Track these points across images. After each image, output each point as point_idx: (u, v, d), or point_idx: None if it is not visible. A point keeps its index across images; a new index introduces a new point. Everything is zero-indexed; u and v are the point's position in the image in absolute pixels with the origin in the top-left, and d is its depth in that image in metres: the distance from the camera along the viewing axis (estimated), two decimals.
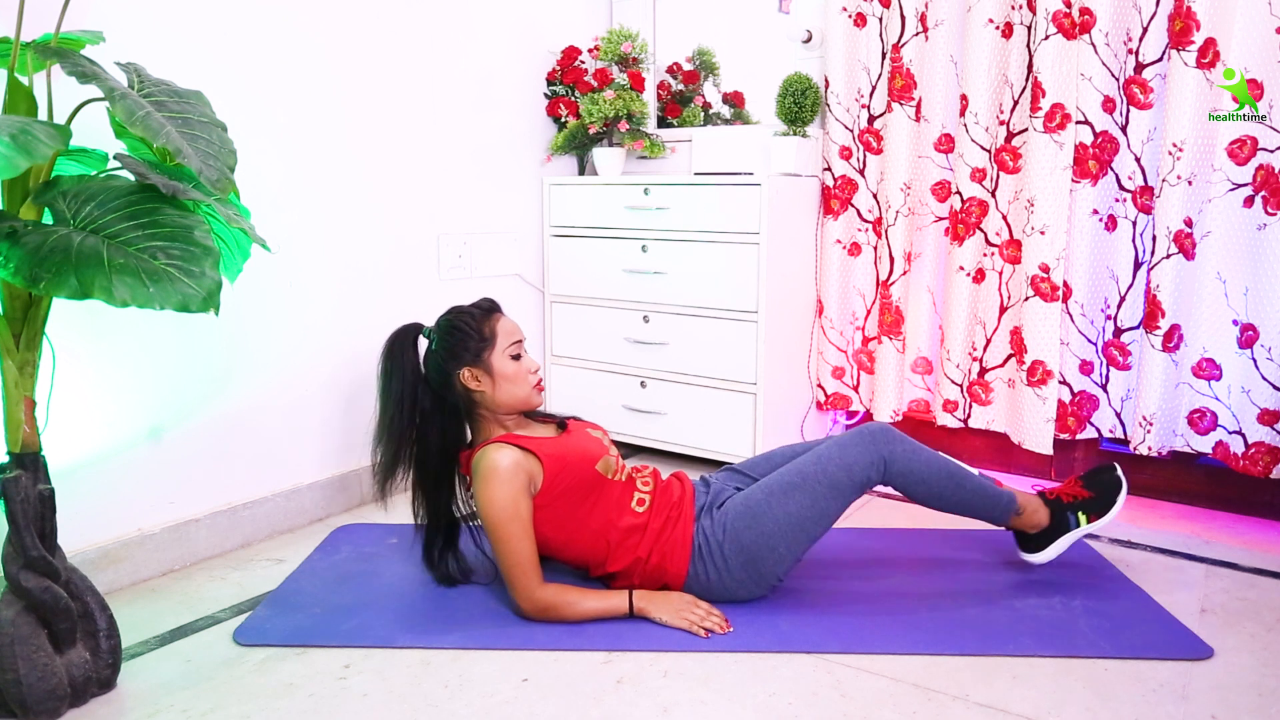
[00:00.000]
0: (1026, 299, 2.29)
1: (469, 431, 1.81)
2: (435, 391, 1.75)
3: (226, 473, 2.06)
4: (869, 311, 2.63)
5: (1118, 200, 2.25)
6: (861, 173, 2.57)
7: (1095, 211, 2.24)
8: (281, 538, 2.14)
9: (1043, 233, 2.24)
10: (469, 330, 1.74)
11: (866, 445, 1.71)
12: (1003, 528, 1.85)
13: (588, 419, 1.93)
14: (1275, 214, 2.03)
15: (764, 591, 1.73)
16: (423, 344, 1.78)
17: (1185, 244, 2.11)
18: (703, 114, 2.92)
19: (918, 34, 2.42)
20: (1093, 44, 2.17)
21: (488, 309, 1.79)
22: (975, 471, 1.88)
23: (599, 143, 2.79)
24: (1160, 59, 2.14)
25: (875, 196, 2.57)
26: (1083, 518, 1.84)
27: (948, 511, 1.79)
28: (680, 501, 1.77)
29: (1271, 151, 2.03)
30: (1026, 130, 2.28)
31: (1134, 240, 2.25)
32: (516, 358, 1.75)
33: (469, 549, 1.89)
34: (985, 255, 2.40)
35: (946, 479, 1.74)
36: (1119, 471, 1.88)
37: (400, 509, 2.32)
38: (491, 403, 1.75)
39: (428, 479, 1.78)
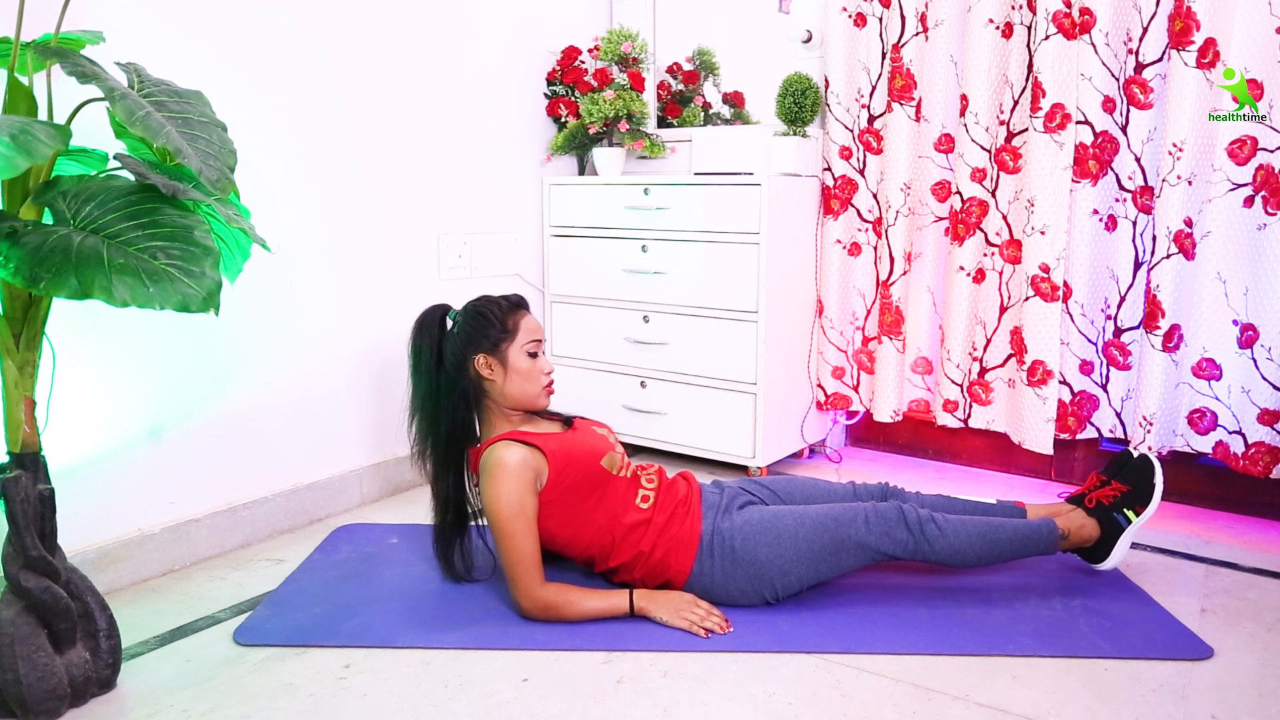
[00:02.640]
0: (1027, 299, 2.29)
1: (476, 425, 1.82)
2: (450, 374, 1.76)
3: (226, 473, 2.06)
4: (869, 311, 2.63)
5: (1118, 200, 2.25)
6: (861, 173, 2.57)
7: (1095, 211, 2.24)
8: (281, 538, 2.14)
9: (1043, 233, 2.24)
10: (492, 319, 1.76)
11: (904, 531, 1.71)
12: (1055, 551, 1.83)
13: (593, 418, 1.94)
14: (1275, 214, 2.03)
15: (759, 603, 1.74)
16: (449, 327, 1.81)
17: (1185, 244, 2.11)
18: (703, 114, 2.92)
19: (918, 34, 2.42)
20: (1093, 44, 2.17)
21: (515, 303, 1.82)
22: (994, 501, 1.90)
23: (599, 143, 2.79)
24: (1160, 59, 2.14)
25: (875, 196, 2.57)
26: (1130, 514, 1.84)
27: (993, 564, 1.81)
28: (687, 499, 1.77)
29: (1271, 151, 2.03)
30: (1026, 130, 2.28)
31: (1134, 240, 2.25)
32: (534, 356, 1.78)
33: (477, 547, 1.89)
34: (985, 255, 2.40)
35: (979, 542, 1.74)
36: (1148, 457, 1.88)
37: (399, 508, 2.33)
38: (500, 395, 1.76)
39: (438, 463, 1.79)
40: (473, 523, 1.85)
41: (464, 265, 2.59)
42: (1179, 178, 2.08)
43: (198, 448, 1.99)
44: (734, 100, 2.92)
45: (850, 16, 2.52)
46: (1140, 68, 2.16)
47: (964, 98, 2.36)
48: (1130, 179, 2.23)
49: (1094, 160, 2.21)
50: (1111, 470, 1.91)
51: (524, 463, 1.65)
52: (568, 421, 1.86)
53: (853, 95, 2.56)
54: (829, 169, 2.60)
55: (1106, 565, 1.86)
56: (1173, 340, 2.15)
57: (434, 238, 2.50)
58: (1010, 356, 2.39)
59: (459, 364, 1.76)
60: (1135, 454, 1.91)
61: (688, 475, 1.87)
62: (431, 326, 1.79)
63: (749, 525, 1.72)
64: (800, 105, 2.48)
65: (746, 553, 1.70)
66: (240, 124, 1.81)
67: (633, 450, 2.78)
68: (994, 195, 2.37)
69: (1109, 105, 2.20)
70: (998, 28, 2.31)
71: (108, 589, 1.80)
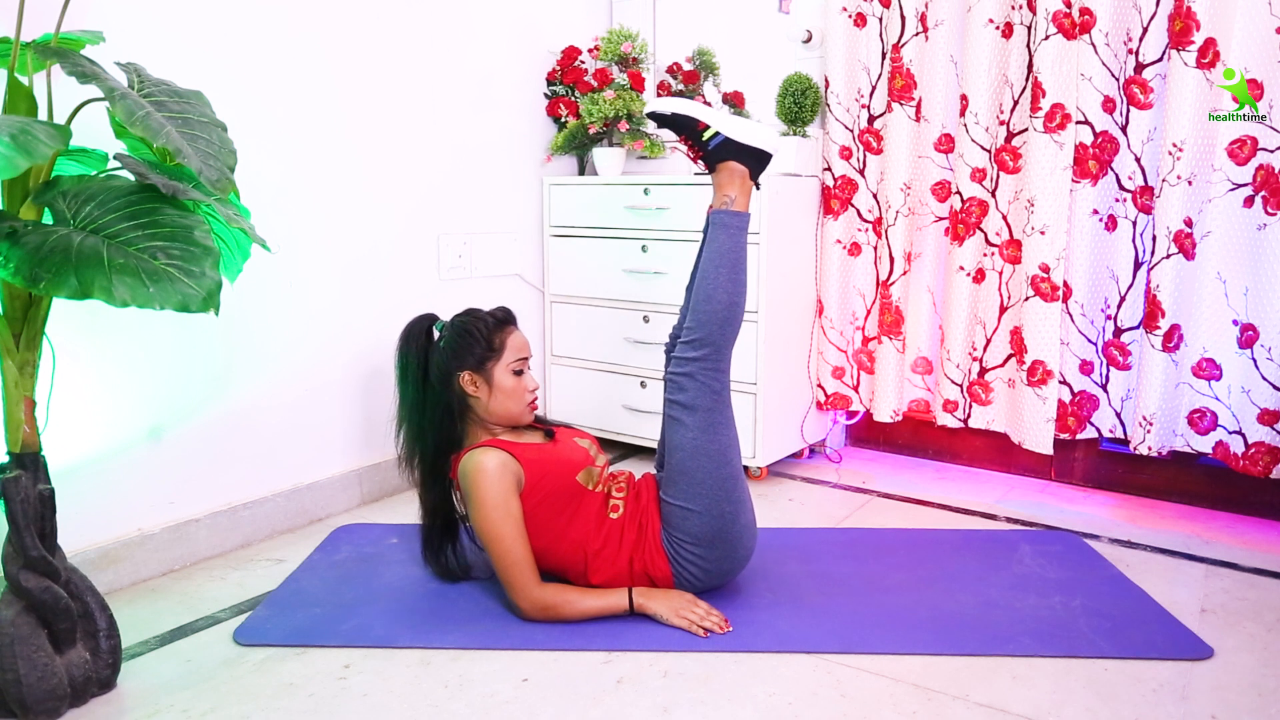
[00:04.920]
0: (1026, 299, 2.29)
1: (460, 435, 1.81)
2: (435, 387, 1.76)
3: (226, 473, 2.06)
4: (869, 311, 2.63)
5: (1118, 200, 2.25)
6: (861, 173, 2.57)
7: (1095, 211, 2.24)
8: (281, 538, 2.14)
9: (1043, 233, 2.24)
10: (478, 336, 1.75)
11: (691, 378, 1.69)
12: (747, 210, 1.79)
13: (580, 425, 1.93)
14: (1275, 214, 2.03)
15: (750, 551, 1.74)
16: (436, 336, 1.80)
17: (1185, 244, 2.11)
18: None
19: (918, 34, 2.42)
20: (1093, 44, 2.17)
21: (502, 319, 1.80)
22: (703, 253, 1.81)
23: (599, 143, 2.79)
24: (1160, 59, 2.14)
25: (875, 196, 2.57)
26: (707, 133, 1.78)
27: (740, 281, 1.74)
28: (647, 507, 1.77)
29: (1271, 151, 2.03)
30: (1026, 130, 2.28)
31: (1134, 240, 2.25)
32: (519, 373, 1.77)
33: (467, 545, 1.89)
34: (985, 255, 2.40)
35: (710, 302, 1.70)
36: (652, 111, 1.86)
37: (399, 509, 2.32)
38: (484, 410, 1.76)
39: (426, 472, 1.79)
40: (464, 524, 1.85)
41: (464, 265, 2.59)
42: (1179, 178, 2.08)
43: (198, 448, 1.99)
44: (734, 100, 2.92)
45: (850, 16, 2.52)
46: (1140, 68, 2.16)
47: (964, 98, 2.36)
48: (1130, 179, 2.23)
49: (1094, 160, 2.21)
50: (680, 137, 1.86)
51: (504, 466, 1.65)
52: (549, 433, 1.84)
53: (853, 95, 2.56)
54: (829, 169, 2.60)
55: (771, 148, 1.79)
56: (1173, 340, 2.15)
57: (434, 238, 2.50)
58: (1010, 356, 2.39)
59: (444, 379, 1.75)
60: (650, 115, 1.87)
61: (648, 478, 1.85)
62: (418, 337, 1.78)
63: (666, 520, 1.72)
64: (800, 105, 2.48)
65: (688, 539, 1.69)
66: (240, 124, 1.81)
67: (632, 450, 2.78)
68: (994, 195, 2.37)
69: (1109, 105, 2.20)
70: (998, 28, 2.31)
71: (108, 589, 1.80)
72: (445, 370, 1.75)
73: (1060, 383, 2.32)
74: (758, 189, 1.81)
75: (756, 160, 1.79)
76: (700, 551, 1.70)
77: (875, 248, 2.59)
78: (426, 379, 1.77)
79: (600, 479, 1.78)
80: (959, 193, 2.40)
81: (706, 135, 1.78)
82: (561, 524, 1.71)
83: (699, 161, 1.84)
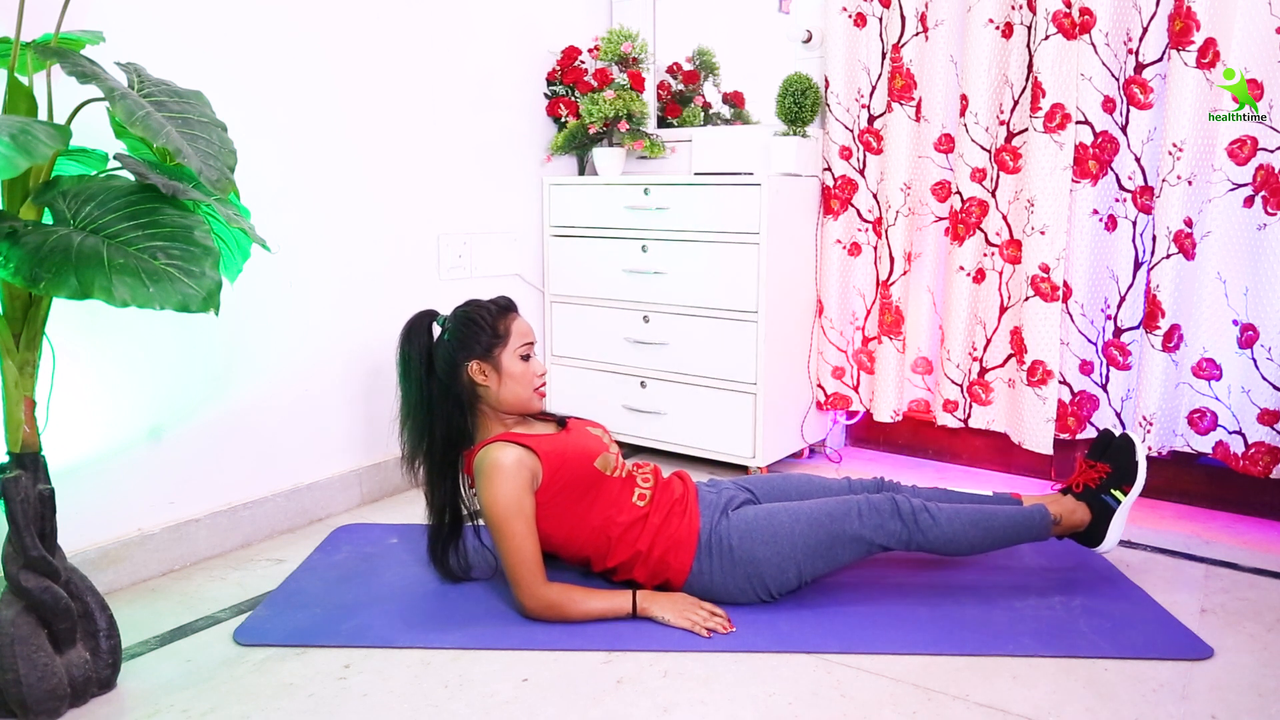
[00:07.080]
0: (1026, 299, 2.29)
1: (470, 428, 1.81)
2: (442, 380, 1.76)
3: (226, 473, 2.06)
4: (869, 311, 2.63)
5: (1118, 200, 2.25)
6: (861, 173, 2.57)
7: (1095, 211, 2.24)
8: (281, 538, 2.14)
9: (1043, 233, 2.24)
10: (483, 324, 1.76)
11: (898, 522, 1.71)
12: (1049, 537, 1.83)
13: (588, 418, 1.94)
14: (1275, 214, 2.03)
15: (756, 601, 1.74)
16: (437, 332, 1.80)
17: (1185, 244, 2.11)
18: (703, 114, 2.92)
19: (918, 34, 2.42)
20: (1093, 44, 2.17)
21: (505, 306, 1.81)
22: (990, 493, 1.89)
23: (599, 143, 2.79)
24: (1160, 59, 2.14)
25: (875, 196, 2.57)
26: (1117, 494, 1.84)
27: (988, 552, 1.81)
28: (684, 498, 1.78)
29: (1271, 151, 2.03)
30: (1026, 130, 2.28)
31: (1134, 240, 2.25)
32: (526, 358, 1.77)
33: (470, 545, 1.89)
34: (985, 255, 2.40)
35: (973, 529, 1.74)
36: (1129, 436, 1.88)
37: (399, 509, 2.33)
38: (494, 400, 1.76)
39: (433, 469, 1.79)
40: (469, 524, 1.85)
41: (464, 265, 2.59)
42: (1179, 178, 2.08)
43: (198, 448, 1.99)
44: (734, 100, 2.92)
45: (850, 16, 2.52)
46: (1140, 68, 2.16)
47: (964, 98, 2.36)
48: (1130, 179, 2.23)
49: (1094, 160, 2.21)
50: (1095, 453, 1.91)
51: (520, 463, 1.65)
52: (561, 422, 1.85)
53: (853, 95, 2.56)
54: (829, 169, 2.60)
55: (1104, 548, 1.84)
56: (1173, 340, 2.15)
57: (434, 238, 2.50)
58: (1010, 356, 2.39)
59: (451, 370, 1.75)
60: (1117, 434, 1.91)
61: (683, 475, 1.87)
62: (420, 333, 1.78)
63: (745, 524, 1.72)
64: (800, 105, 2.48)
65: (744, 551, 1.70)
66: (240, 124, 1.81)
67: (632, 450, 2.78)
68: (994, 195, 2.37)
69: (1109, 105, 2.20)
70: (998, 28, 2.31)
71: (108, 589, 1.80)
72: (452, 361, 1.75)
73: (1060, 383, 2.32)
74: (1058, 538, 1.88)
75: (1095, 530, 1.84)
76: (734, 565, 1.70)
77: (875, 248, 2.59)
78: (431, 374, 1.76)
79: (617, 465, 1.79)
80: (959, 193, 2.40)
81: (1117, 494, 1.84)
82: (583, 510, 1.71)
83: (1080, 481, 1.88)
